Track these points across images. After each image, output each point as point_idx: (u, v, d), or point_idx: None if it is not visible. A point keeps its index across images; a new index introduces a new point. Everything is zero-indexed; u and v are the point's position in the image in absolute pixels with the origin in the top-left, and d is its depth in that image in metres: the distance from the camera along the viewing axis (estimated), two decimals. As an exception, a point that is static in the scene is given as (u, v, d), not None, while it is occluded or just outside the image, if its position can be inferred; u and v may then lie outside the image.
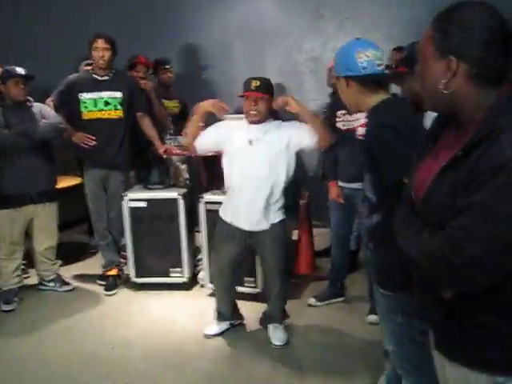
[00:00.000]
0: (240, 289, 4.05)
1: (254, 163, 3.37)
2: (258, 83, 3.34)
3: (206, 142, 3.52)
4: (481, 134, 1.33)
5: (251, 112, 3.36)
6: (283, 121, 3.55)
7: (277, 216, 3.49)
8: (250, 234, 3.47)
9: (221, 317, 3.79)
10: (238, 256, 3.57)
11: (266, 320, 3.76)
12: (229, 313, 3.79)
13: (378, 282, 2.19)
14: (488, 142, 1.30)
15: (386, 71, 2.29)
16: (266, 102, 3.36)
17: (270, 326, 3.68)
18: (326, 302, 4.19)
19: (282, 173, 3.40)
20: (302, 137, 3.38)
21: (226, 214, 3.53)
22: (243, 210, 3.43)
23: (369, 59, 2.19)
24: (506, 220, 1.26)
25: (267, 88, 3.38)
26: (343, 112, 3.83)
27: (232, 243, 3.51)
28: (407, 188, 1.60)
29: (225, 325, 3.82)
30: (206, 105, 3.51)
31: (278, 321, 3.68)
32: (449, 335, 1.51)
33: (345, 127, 3.84)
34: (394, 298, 2.09)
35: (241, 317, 3.91)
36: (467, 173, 1.32)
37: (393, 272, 2.05)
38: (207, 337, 3.76)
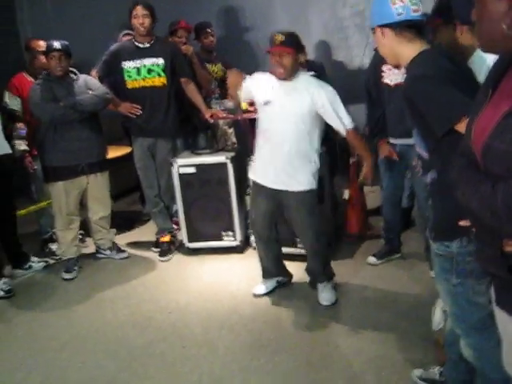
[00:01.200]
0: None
1: (276, 120, 3.35)
2: (283, 38, 3.25)
3: (244, 91, 3.55)
4: None
5: (277, 69, 3.31)
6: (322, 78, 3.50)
7: (302, 183, 3.40)
8: (276, 191, 3.45)
9: (266, 274, 3.84)
10: (270, 212, 3.56)
11: (313, 279, 3.74)
12: (273, 269, 3.81)
13: (435, 238, 2.10)
14: None
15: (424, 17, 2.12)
16: (292, 56, 3.27)
17: (319, 286, 3.66)
18: (385, 259, 4.15)
19: (305, 134, 3.35)
20: (332, 120, 3.36)
21: (251, 172, 3.62)
22: (263, 167, 3.47)
23: (404, 4, 2.02)
24: None
25: (292, 42, 3.28)
26: (389, 67, 3.68)
27: (262, 200, 3.54)
28: (465, 138, 1.52)
29: (271, 283, 3.85)
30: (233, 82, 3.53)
31: (323, 280, 3.64)
32: (511, 290, 1.44)
33: (393, 82, 3.69)
34: (449, 258, 2.01)
35: (288, 274, 3.92)
36: None
37: (452, 223, 1.93)
38: (256, 296, 3.82)
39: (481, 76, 1.89)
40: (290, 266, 3.96)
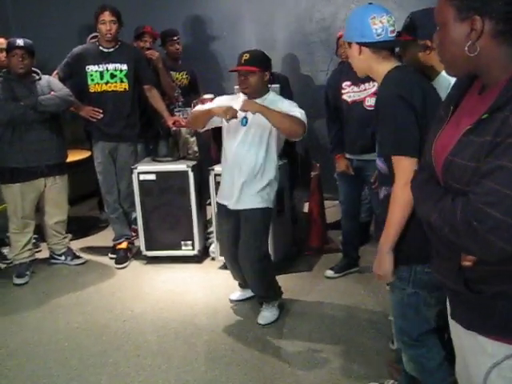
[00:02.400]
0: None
1: (237, 140, 3.35)
2: (248, 56, 3.25)
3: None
4: (508, 94, 1.28)
5: (242, 87, 3.32)
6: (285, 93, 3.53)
7: (256, 201, 3.38)
8: (233, 211, 3.44)
9: (241, 285, 3.83)
10: (232, 230, 3.51)
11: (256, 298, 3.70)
12: (244, 282, 3.78)
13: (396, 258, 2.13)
14: None
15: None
16: (258, 75, 3.26)
17: (263, 304, 3.60)
18: (343, 273, 4.18)
19: (262, 154, 3.34)
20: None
21: (218, 193, 3.64)
22: (225, 186, 3.48)
23: (383, 25, 2.13)
24: None
25: (257, 61, 3.28)
26: (348, 83, 3.75)
27: (223, 220, 3.57)
28: (425, 154, 1.55)
29: (247, 293, 3.82)
30: (218, 111, 3.30)
31: (264, 301, 3.59)
32: (466, 304, 1.47)
33: (351, 99, 3.77)
34: (408, 267, 2.07)
35: None
36: (492, 136, 1.27)
37: (407, 245, 2.01)
38: (231, 301, 3.83)
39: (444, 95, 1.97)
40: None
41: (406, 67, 2.18)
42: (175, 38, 5.18)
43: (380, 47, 2.13)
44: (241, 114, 3.28)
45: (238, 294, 3.88)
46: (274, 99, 3.37)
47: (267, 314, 3.56)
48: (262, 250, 3.44)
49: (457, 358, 1.63)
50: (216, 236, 4.22)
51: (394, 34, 2.17)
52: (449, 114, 1.50)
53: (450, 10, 1.36)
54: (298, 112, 3.25)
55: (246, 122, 3.33)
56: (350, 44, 2.21)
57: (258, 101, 3.29)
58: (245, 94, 3.35)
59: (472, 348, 1.48)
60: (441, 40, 1.43)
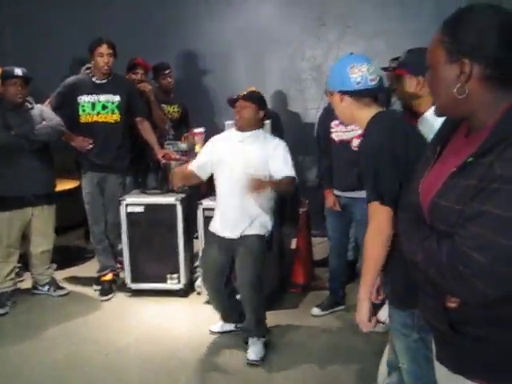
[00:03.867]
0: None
1: (234, 170, 3.47)
2: (245, 93, 3.53)
3: (204, 169, 3.71)
4: (494, 139, 1.29)
5: (236, 119, 3.55)
6: (275, 129, 3.66)
7: (254, 229, 3.50)
8: (231, 242, 3.50)
9: (222, 318, 3.82)
10: (222, 261, 3.54)
11: (245, 335, 3.64)
12: (224, 317, 3.79)
13: (391, 302, 2.12)
14: (501, 148, 1.26)
15: (380, 80, 2.28)
16: (252, 110, 3.51)
17: (250, 340, 3.56)
18: (329, 310, 4.15)
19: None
20: (277, 172, 3.48)
21: (212, 224, 3.68)
22: (221, 215, 3.58)
23: (362, 74, 2.18)
24: None
25: (253, 98, 3.53)
26: (336, 123, 3.81)
27: (214, 251, 3.57)
28: (411, 194, 1.56)
29: (228, 326, 3.82)
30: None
31: (253, 335, 3.55)
32: (452, 346, 1.46)
33: (338, 138, 3.82)
34: (410, 314, 2.02)
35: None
36: (478, 180, 1.28)
37: (408, 290, 1.98)
38: (211, 332, 3.82)
39: (430, 135, 2.01)
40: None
41: (388, 112, 2.26)
42: (167, 71, 5.22)
43: (360, 95, 2.19)
44: (231, 143, 3.54)
45: (218, 325, 3.86)
46: (265, 136, 3.58)
47: (256, 349, 3.51)
48: (259, 280, 3.47)
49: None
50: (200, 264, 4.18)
51: (375, 82, 2.22)
52: (435, 155, 1.52)
53: (441, 52, 1.39)
54: (290, 168, 3.49)
55: (234, 150, 3.53)
56: (331, 93, 2.27)
57: (248, 134, 3.50)
58: (239, 128, 3.54)
59: (457, 391, 1.47)
60: (431, 80, 1.46)
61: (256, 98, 3.55)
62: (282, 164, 3.50)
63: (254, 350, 3.50)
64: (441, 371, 1.55)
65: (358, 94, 2.19)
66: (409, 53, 2.35)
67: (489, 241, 1.23)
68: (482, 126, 1.38)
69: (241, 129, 3.56)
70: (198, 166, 3.71)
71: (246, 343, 3.57)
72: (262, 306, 3.56)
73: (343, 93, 2.21)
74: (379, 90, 2.28)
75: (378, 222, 1.95)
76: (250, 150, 3.51)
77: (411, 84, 2.41)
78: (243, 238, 3.49)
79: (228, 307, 3.74)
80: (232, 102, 3.57)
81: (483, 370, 1.38)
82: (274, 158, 3.50)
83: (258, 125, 3.59)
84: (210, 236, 3.67)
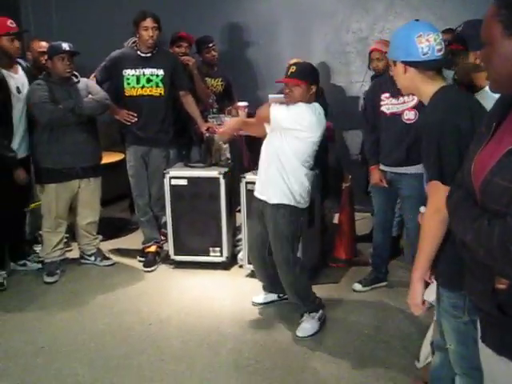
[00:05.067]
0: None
1: (269, 138, 3.43)
2: (294, 69, 3.31)
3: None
4: None
5: (287, 99, 3.36)
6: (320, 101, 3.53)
7: (280, 195, 3.37)
8: (262, 205, 3.47)
9: (265, 288, 3.86)
10: (262, 235, 3.53)
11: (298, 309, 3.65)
12: (268, 288, 3.82)
13: (443, 284, 2.07)
14: None
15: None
16: (303, 88, 3.31)
17: (304, 314, 3.56)
18: (371, 286, 4.13)
19: (290, 153, 3.35)
20: None
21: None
22: (258, 180, 3.54)
23: (430, 44, 2.06)
24: None
25: (303, 74, 3.31)
26: (387, 95, 3.72)
27: (256, 219, 3.56)
28: (464, 172, 1.52)
29: (271, 296, 3.87)
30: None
31: (303, 311, 3.55)
32: (498, 328, 1.43)
33: (389, 111, 3.73)
34: (462, 295, 1.95)
35: None
36: None
37: (460, 271, 1.93)
38: (254, 304, 3.87)
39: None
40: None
41: (452, 87, 2.11)
42: (211, 44, 5.20)
43: (426, 67, 2.07)
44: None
45: (260, 296, 3.91)
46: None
47: (306, 326, 3.52)
48: (290, 257, 3.44)
49: (485, 382, 1.59)
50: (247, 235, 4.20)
51: (441, 53, 2.10)
52: (490, 132, 1.47)
53: (497, 26, 1.34)
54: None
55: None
56: (394, 62, 2.15)
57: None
58: (288, 101, 3.36)
59: (502, 373, 1.44)
60: (488, 57, 1.40)
61: (306, 74, 3.33)
62: None
63: (303, 327, 3.51)
64: (485, 352, 1.53)
65: (424, 66, 2.07)
66: (464, 26, 2.22)
67: None
68: None
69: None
70: None
71: (302, 316, 3.58)
72: (300, 281, 3.53)
73: (408, 63, 2.09)
74: (445, 62, 2.16)
75: (437, 201, 1.86)
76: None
77: (471, 57, 2.29)
78: (268, 205, 3.42)
79: (273, 276, 3.71)
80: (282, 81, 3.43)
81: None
82: None
83: (312, 99, 3.38)
84: (252, 205, 3.63)
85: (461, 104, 2.01)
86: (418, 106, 3.55)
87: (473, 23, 2.19)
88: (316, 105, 3.38)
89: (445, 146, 1.91)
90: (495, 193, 1.33)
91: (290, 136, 3.29)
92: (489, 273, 1.38)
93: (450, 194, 1.57)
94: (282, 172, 3.36)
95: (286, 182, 3.37)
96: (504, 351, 1.42)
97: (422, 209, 2.26)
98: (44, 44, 4.61)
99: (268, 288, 3.87)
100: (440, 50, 2.09)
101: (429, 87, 2.08)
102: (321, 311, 3.61)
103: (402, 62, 2.10)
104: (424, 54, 2.06)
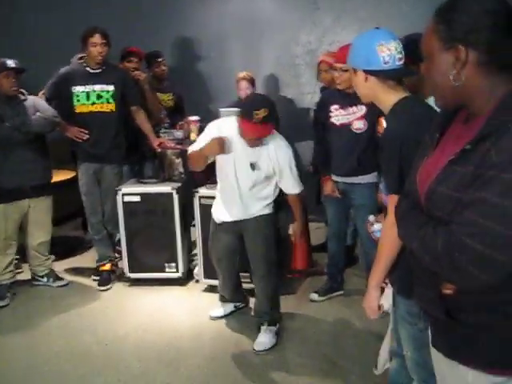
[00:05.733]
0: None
1: (238, 171, 3.38)
2: (266, 113, 3.09)
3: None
4: (490, 126, 1.29)
5: (255, 142, 3.26)
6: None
7: (261, 209, 3.47)
8: (236, 223, 3.48)
9: (224, 299, 3.88)
10: (232, 244, 3.56)
11: (258, 321, 3.64)
12: (231, 296, 3.86)
13: (399, 291, 2.10)
14: (498, 135, 1.26)
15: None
16: (270, 132, 3.26)
17: (261, 328, 3.57)
18: (328, 296, 4.17)
19: (267, 182, 3.44)
20: (283, 180, 3.44)
21: (214, 212, 3.62)
22: (226, 206, 3.50)
23: (391, 53, 2.03)
24: None
25: (272, 117, 3.20)
26: (336, 107, 3.78)
27: (222, 235, 3.57)
28: (410, 181, 1.56)
29: (229, 307, 3.91)
30: (212, 151, 3.30)
31: (265, 320, 3.56)
32: (448, 332, 1.47)
33: (339, 122, 3.78)
34: (417, 303, 1.95)
35: (246, 299, 3.97)
36: (474, 167, 1.27)
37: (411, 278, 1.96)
38: (212, 318, 3.88)
39: None
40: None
41: (413, 98, 2.11)
42: (160, 59, 5.19)
43: (387, 76, 2.05)
44: (245, 159, 3.34)
45: (219, 310, 3.93)
46: (271, 144, 3.34)
47: (264, 340, 3.51)
48: (271, 260, 3.51)
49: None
50: (203, 255, 4.19)
51: (402, 62, 2.07)
52: (434, 142, 1.52)
53: (435, 40, 1.38)
54: (297, 182, 3.46)
55: (254, 168, 3.36)
56: (355, 70, 2.12)
57: (258, 148, 3.31)
58: (252, 146, 3.32)
59: (453, 377, 1.48)
60: (427, 69, 1.44)
61: (274, 116, 3.21)
62: (291, 181, 3.42)
63: (260, 341, 3.50)
64: (436, 357, 1.57)
65: (385, 75, 2.05)
66: (406, 39, 2.25)
67: (484, 228, 1.23)
68: (479, 112, 1.38)
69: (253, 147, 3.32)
70: None
71: (259, 331, 3.58)
72: (275, 288, 3.58)
73: (369, 72, 2.06)
74: (405, 72, 2.13)
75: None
76: (261, 159, 3.34)
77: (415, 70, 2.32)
78: (248, 220, 3.46)
79: (236, 286, 3.82)
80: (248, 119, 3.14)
81: (479, 357, 1.39)
82: (283, 174, 3.38)
83: None
84: (215, 225, 3.62)
85: (422, 116, 1.99)
86: (367, 116, 3.63)
87: (413, 37, 2.23)
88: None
89: (405, 161, 1.88)
90: (439, 201, 1.37)
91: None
92: (435, 279, 1.42)
93: (398, 202, 1.61)
94: (266, 189, 3.48)
95: (268, 199, 3.50)
96: (453, 355, 1.46)
97: (371, 217, 2.31)
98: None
99: (229, 297, 3.87)
100: (400, 59, 2.07)
101: (389, 97, 2.07)
102: (278, 325, 3.63)
103: (363, 70, 2.08)
104: (385, 63, 2.04)
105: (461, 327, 1.42)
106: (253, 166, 3.34)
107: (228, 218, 3.51)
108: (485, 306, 1.36)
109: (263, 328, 3.56)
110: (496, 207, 1.22)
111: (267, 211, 3.50)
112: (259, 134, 3.20)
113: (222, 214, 3.55)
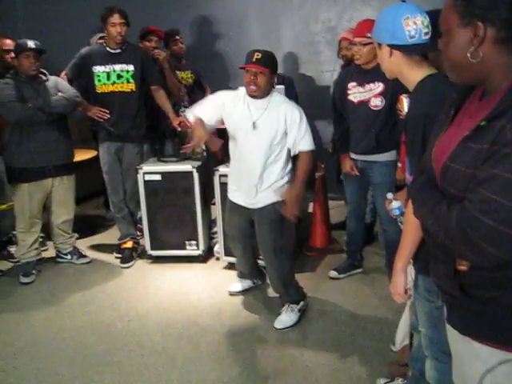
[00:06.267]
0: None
1: (249, 142, 3.36)
2: (260, 56, 3.22)
3: (208, 119, 3.42)
4: (506, 103, 1.29)
5: (250, 86, 3.28)
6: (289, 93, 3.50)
7: (268, 197, 3.42)
8: (248, 209, 3.50)
9: (241, 275, 3.94)
10: (244, 229, 3.59)
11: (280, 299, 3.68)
12: (248, 273, 3.89)
13: (419, 270, 2.09)
14: None
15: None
16: (267, 76, 3.26)
17: (283, 307, 3.60)
18: (347, 273, 4.19)
19: (276, 152, 3.37)
20: (294, 143, 3.37)
21: (228, 191, 3.63)
22: (237, 187, 3.52)
23: (417, 27, 1.98)
24: None
25: (268, 62, 3.27)
26: (354, 84, 3.76)
27: (235, 215, 3.59)
28: (426, 158, 1.56)
29: (247, 282, 3.96)
30: (199, 134, 3.32)
31: (285, 301, 3.59)
32: (462, 309, 1.49)
33: (356, 99, 3.76)
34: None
35: (263, 276, 3.98)
36: (489, 144, 1.27)
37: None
38: (231, 294, 3.94)
39: None
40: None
41: (438, 75, 2.05)
42: (177, 37, 5.18)
43: (413, 51, 2.00)
44: (248, 116, 3.33)
45: (237, 285, 3.99)
46: (278, 100, 3.37)
47: (285, 318, 3.54)
48: (280, 246, 3.49)
49: (453, 362, 1.64)
50: (223, 233, 4.23)
51: (428, 37, 2.01)
52: (449, 119, 1.51)
53: (454, 16, 1.37)
54: (308, 139, 3.35)
55: (255, 127, 3.33)
56: (380, 45, 2.07)
57: (260, 102, 3.32)
58: (251, 96, 3.33)
59: (467, 353, 1.49)
60: (445, 45, 1.43)
61: (271, 62, 3.29)
62: (300, 137, 3.33)
63: (281, 319, 3.53)
64: (451, 333, 1.58)
65: (411, 50, 2.00)
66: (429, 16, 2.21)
67: (497, 204, 1.24)
68: (495, 89, 1.37)
69: (255, 96, 3.32)
70: (208, 118, 3.43)
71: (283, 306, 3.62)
72: (287, 270, 3.57)
73: (394, 47, 2.01)
74: (431, 46, 2.04)
75: None
76: (265, 119, 3.32)
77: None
78: (259, 208, 3.45)
79: (252, 264, 3.86)
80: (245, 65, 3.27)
81: (492, 333, 1.41)
82: (291, 130, 3.32)
83: (271, 89, 3.36)
84: (229, 203, 3.64)
85: (446, 95, 1.89)
86: (385, 93, 3.60)
87: (430, 13, 2.20)
88: (276, 94, 3.41)
89: (429, 141, 1.83)
90: (454, 178, 1.37)
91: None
92: (450, 256, 1.43)
93: (414, 179, 1.61)
94: (280, 170, 3.45)
95: (277, 178, 3.45)
96: (467, 331, 1.47)
97: (390, 195, 2.31)
98: (9, 42, 4.55)
99: (246, 275, 3.93)
100: (427, 34, 2.01)
101: (414, 73, 2.03)
102: (302, 303, 3.64)
103: (388, 45, 2.04)
104: (411, 38, 1.99)
105: (475, 303, 1.43)
106: (254, 125, 3.32)
107: (239, 201, 3.53)
108: (498, 282, 1.37)
109: (285, 307, 3.59)
110: (509, 184, 1.22)
111: (276, 198, 3.40)
112: (254, 68, 3.22)
113: (234, 194, 3.58)
